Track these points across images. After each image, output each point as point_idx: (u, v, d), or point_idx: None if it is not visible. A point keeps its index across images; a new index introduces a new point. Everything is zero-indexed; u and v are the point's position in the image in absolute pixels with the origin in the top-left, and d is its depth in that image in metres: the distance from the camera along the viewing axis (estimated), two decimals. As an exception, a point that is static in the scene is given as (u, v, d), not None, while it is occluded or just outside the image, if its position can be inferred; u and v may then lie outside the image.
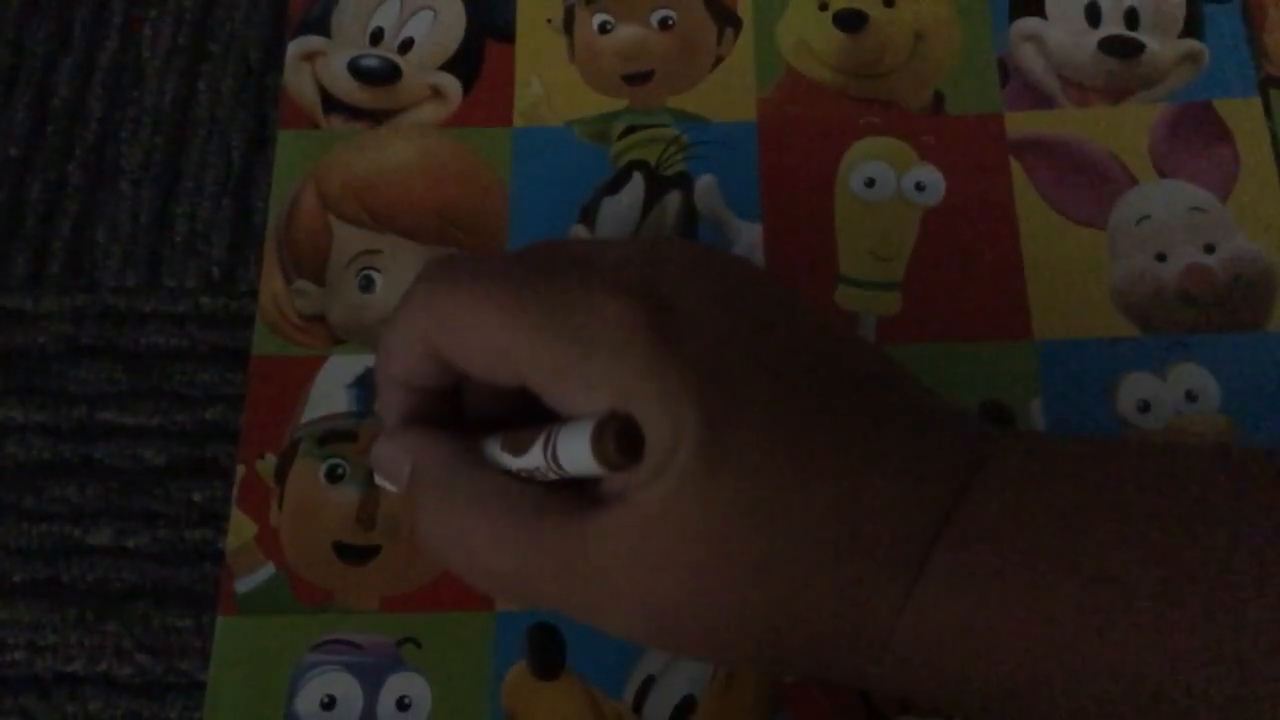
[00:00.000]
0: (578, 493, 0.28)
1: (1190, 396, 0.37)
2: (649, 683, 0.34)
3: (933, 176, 0.40)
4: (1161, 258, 0.39)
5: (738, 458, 0.26)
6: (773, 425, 0.26)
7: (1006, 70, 0.41)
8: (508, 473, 0.29)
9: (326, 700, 0.34)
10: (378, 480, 0.33)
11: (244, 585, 0.36)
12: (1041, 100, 0.41)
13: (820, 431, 0.27)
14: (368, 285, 0.39)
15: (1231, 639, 0.25)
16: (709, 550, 0.26)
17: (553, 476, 0.28)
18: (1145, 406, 0.37)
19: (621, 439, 0.26)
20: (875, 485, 0.27)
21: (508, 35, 0.43)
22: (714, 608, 0.27)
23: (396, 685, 0.34)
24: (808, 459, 0.26)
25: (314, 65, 0.42)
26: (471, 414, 0.31)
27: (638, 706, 0.34)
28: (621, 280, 0.27)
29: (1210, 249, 0.39)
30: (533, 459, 0.28)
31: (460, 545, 0.29)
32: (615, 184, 0.40)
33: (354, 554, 0.36)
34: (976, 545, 0.27)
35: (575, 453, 0.26)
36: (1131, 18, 0.42)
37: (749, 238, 0.39)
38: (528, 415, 0.29)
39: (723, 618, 0.27)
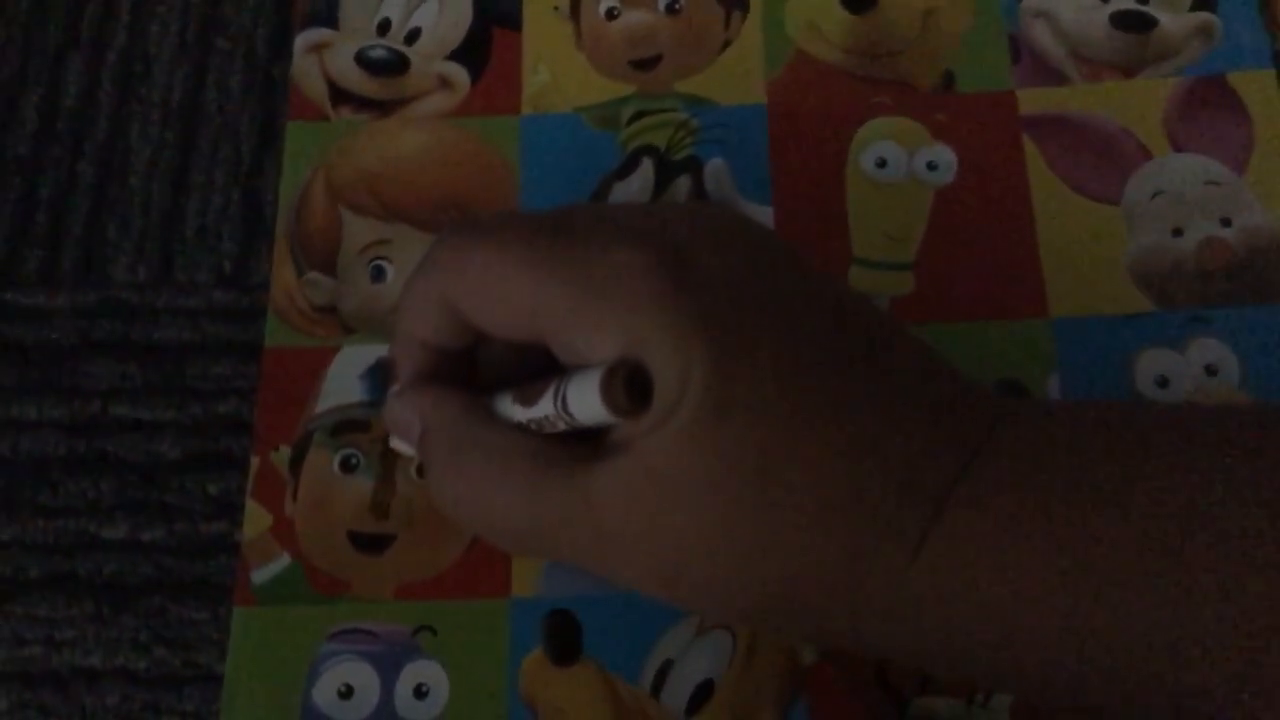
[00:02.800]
0: (585, 443, 0.28)
1: (1210, 370, 0.37)
2: (667, 666, 0.34)
3: (945, 155, 0.40)
4: (1178, 232, 0.38)
5: (745, 406, 0.26)
6: (780, 376, 0.26)
7: (1017, 47, 0.41)
8: (518, 426, 0.29)
9: (344, 689, 0.34)
10: (392, 443, 0.33)
11: (260, 576, 0.36)
12: (1053, 77, 0.41)
13: (828, 384, 0.27)
14: (379, 275, 0.39)
15: (1233, 611, 0.25)
16: (712, 498, 0.26)
17: (563, 426, 0.28)
18: (1164, 382, 0.37)
19: (631, 385, 0.26)
20: (884, 441, 0.26)
21: (514, 23, 0.43)
22: (716, 556, 0.27)
23: (414, 673, 0.34)
24: (815, 410, 0.26)
25: (321, 57, 0.42)
26: (485, 378, 0.32)
27: (656, 691, 0.34)
28: (635, 230, 0.28)
29: (1227, 222, 0.38)
30: (543, 408, 0.28)
31: (471, 500, 0.30)
32: (625, 169, 0.40)
33: (369, 543, 0.36)
34: (986, 507, 0.26)
35: (585, 399, 0.26)
36: (1143, -8, 0.42)
37: (761, 220, 0.39)
38: (540, 375, 0.29)
39: (725, 567, 0.27)
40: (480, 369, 0.32)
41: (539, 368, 0.29)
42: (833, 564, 0.27)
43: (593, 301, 0.27)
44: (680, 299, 0.26)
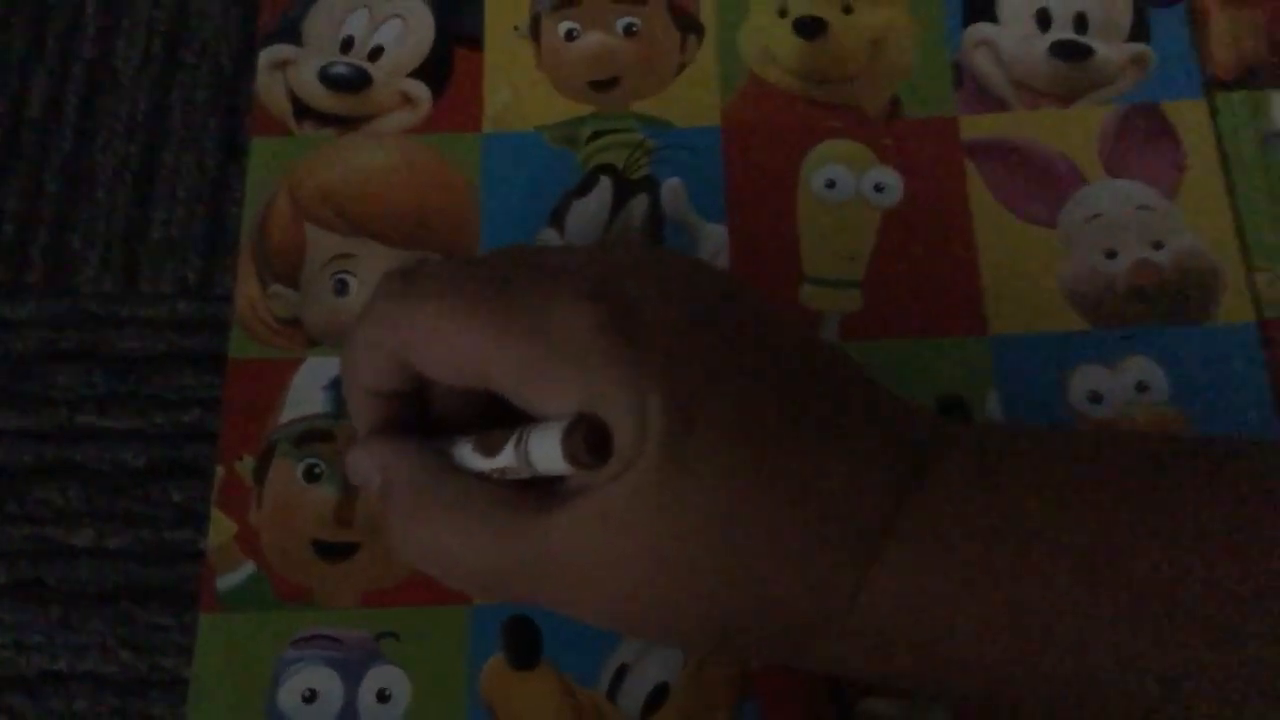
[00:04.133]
0: (543, 490, 0.29)
1: (1140, 387, 0.39)
2: (623, 671, 0.35)
3: (891, 178, 0.41)
4: (1111, 255, 0.40)
5: (701, 455, 0.27)
6: (735, 422, 0.27)
7: (961, 74, 0.43)
8: (479, 474, 0.30)
9: (308, 694, 0.35)
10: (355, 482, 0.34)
11: (225, 583, 0.36)
12: (994, 103, 0.42)
13: (780, 428, 0.28)
14: (342, 289, 0.40)
15: (1167, 624, 0.26)
16: (672, 545, 0.27)
17: (526, 475, 0.29)
18: (1096, 397, 0.38)
19: (590, 439, 0.27)
20: (831, 480, 0.28)
21: (476, 43, 0.44)
22: (677, 600, 0.28)
23: (376, 678, 0.35)
24: (768, 455, 0.27)
25: (285, 73, 0.43)
26: (438, 414, 0.32)
27: (612, 694, 0.35)
28: (582, 283, 0.28)
29: (1158, 246, 0.40)
30: (504, 459, 0.29)
31: (432, 550, 0.30)
32: (583, 187, 0.41)
33: (333, 551, 0.37)
34: (926, 535, 0.28)
35: (547, 453, 0.27)
36: (1081, 22, 0.43)
37: (715, 239, 0.40)
38: (494, 412, 0.30)
39: (686, 609, 0.28)
40: (433, 404, 0.32)
41: (490, 406, 0.30)
42: (785, 602, 0.28)
43: (547, 360, 0.27)
44: (634, 354, 0.27)
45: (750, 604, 0.28)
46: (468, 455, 0.30)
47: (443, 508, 0.30)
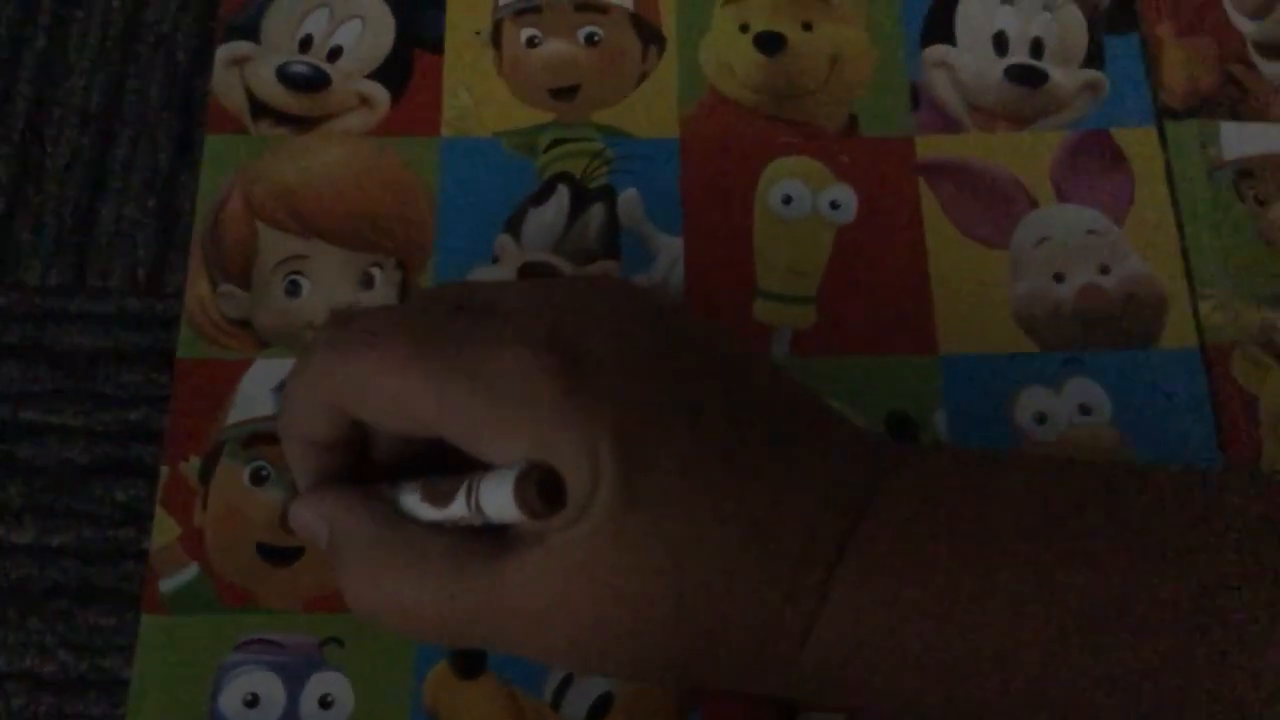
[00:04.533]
0: (494, 537, 0.29)
1: (1083, 409, 0.39)
2: (567, 681, 0.35)
3: (846, 195, 0.42)
4: (1059, 278, 0.41)
5: (654, 498, 0.27)
6: (686, 465, 0.27)
7: (918, 95, 0.43)
8: (427, 523, 0.30)
9: (250, 698, 0.35)
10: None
11: (168, 585, 0.36)
12: (950, 124, 0.43)
13: (731, 467, 0.28)
14: (294, 290, 0.40)
15: (1116, 649, 0.27)
16: (627, 587, 0.27)
17: (477, 524, 0.28)
18: (1041, 418, 0.39)
19: (543, 489, 0.26)
20: (781, 516, 0.28)
21: (436, 46, 0.43)
22: (632, 639, 0.28)
23: (319, 684, 0.35)
24: (719, 495, 0.28)
25: (242, 70, 0.43)
26: (382, 458, 0.32)
27: (556, 703, 0.35)
28: (528, 327, 0.28)
29: (1105, 270, 0.41)
30: (456, 510, 0.29)
31: (384, 604, 0.30)
32: (541, 195, 0.41)
33: (277, 555, 0.37)
34: (874, 567, 0.28)
35: (499, 503, 0.27)
36: (1037, 47, 0.44)
37: (670, 251, 0.40)
38: (438, 456, 0.29)
39: (641, 647, 0.28)
40: (376, 449, 0.32)
41: (433, 449, 0.29)
42: (742, 636, 0.28)
43: (495, 408, 0.27)
44: (583, 399, 0.27)
45: (704, 640, 0.28)
46: (416, 504, 0.30)
47: (394, 561, 0.29)
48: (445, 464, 0.29)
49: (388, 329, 0.29)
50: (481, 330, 0.28)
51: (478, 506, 0.28)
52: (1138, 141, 0.43)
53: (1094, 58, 0.44)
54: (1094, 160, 0.42)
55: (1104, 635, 0.27)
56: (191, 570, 0.36)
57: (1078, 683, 0.27)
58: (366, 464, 0.32)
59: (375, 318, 0.30)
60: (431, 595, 0.29)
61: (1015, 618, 0.27)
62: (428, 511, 0.30)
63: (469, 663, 0.35)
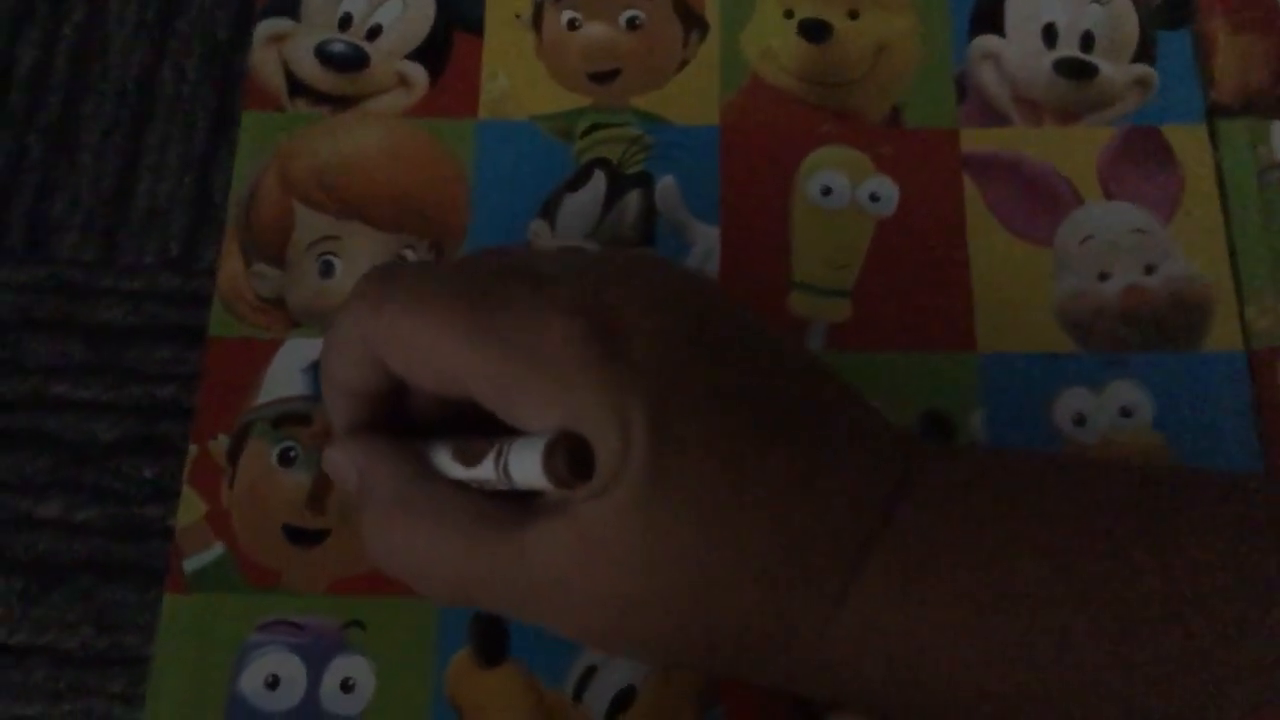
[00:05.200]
0: (519, 502, 0.28)
1: (1125, 412, 0.38)
2: (590, 672, 0.35)
3: (887, 188, 0.41)
4: (1104, 277, 0.40)
5: (682, 477, 0.27)
6: (717, 445, 0.27)
7: (964, 86, 0.42)
8: (455, 481, 0.29)
9: (270, 680, 0.35)
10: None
11: (192, 564, 0.36)
12: (996, 118, 0.42)
13: (762, 452, 0.27)
14: (327, 270, 0.40)
15: (1143, 660, 0.26)
16: (649, 566, 0.27)
17: (503, 488, 0.28)
18: (1081, 420, 0.38)
19: (572, 458, 0.26)
20: (810, 506, 0.27)
21: (476, 27, 0.43)
22: (651, 619, 0.28)
23: (341, 667, 0.35)
24: (749, 479, 0.27)
25: (281, 48, 0.43)
26: (418, 413, 0.32)
27: (578, 695, 0.35)
28: (567, 297, 0.28)
29: (1151, 270, 0.40)
30: (484, 471, 0.28)
31: (404, 554, 0.30)
32: (577, 181, 0.41)
33: (303, 537, 0.36)
34: (900, 562, 0.28)
35: (527, 469, 0.27)
36: (1087, 40, 0.43)
37: (706, 240, 0.40)
38: (474, 417, 0.29)
39: (659, 628, 0.28)
40: (413, 404, 0.32)
41: (470, 408, 0.29)
42: (764, 622, 0.28)
43: (528, 375, 0.27)
44: (617, 370, 0.26)
45: (723, 627, 0.28)
46: (446, 462, 0.30)
47: (418, 514, 0.29)
48: (480, 427, 0.29)
49: (429, 286, 0.29)
50: (520, 296, 0.28)
51: (505, 471, 0.28)
52: (1187, 139, 0.42)
53: (1145, 52, 0.43)
54: (1142, 158, 0.41)
55: (1134, 641, 0.27)
56: (217, 549, 0.36)
57: (1104, 685, 0.27)
58: (404, 418, 0.32)
59: (418, 274, 0.30)
60: (449, 552, 0.29)
61: (1041, 621, 0.27)
62: (456, 470, 0.29)
63: (491, 651, 0.35)
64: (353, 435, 0.31)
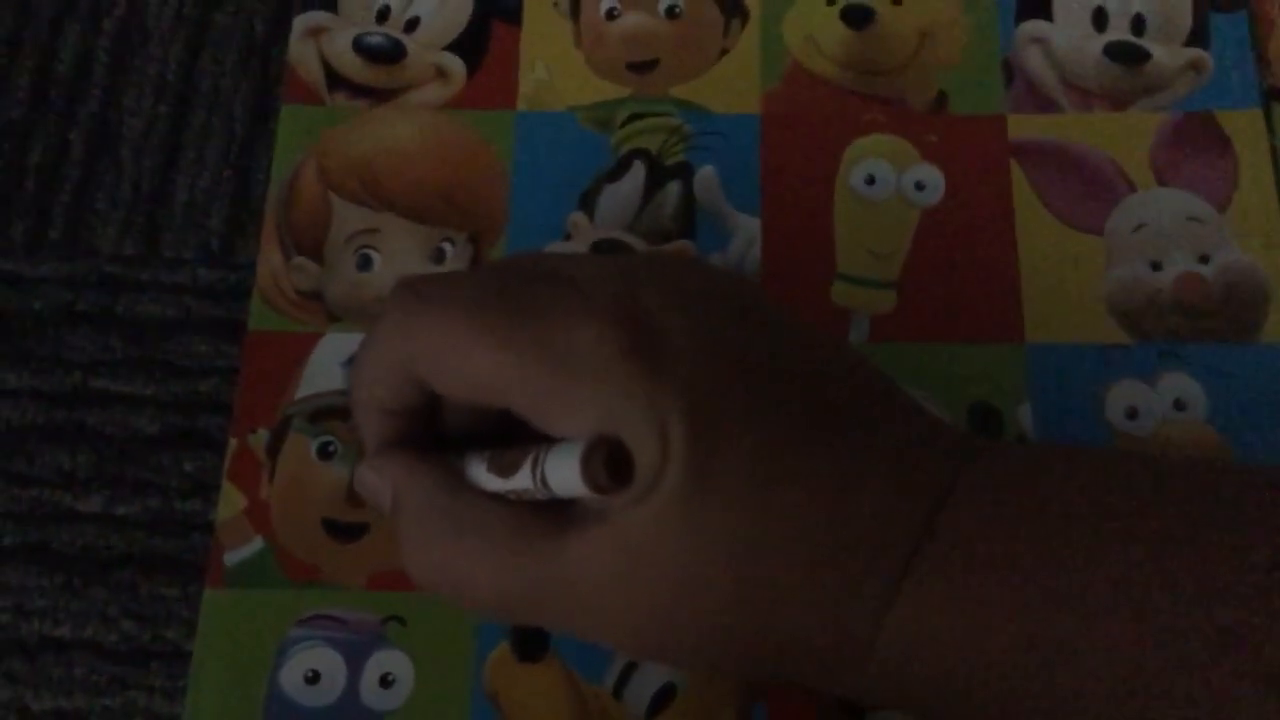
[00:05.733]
0: (558, 512, 0.28)
1: (1178, 405, 0.37)
2: (630, 669, 0.34)
3: (933, 176, 0.40)
4: (1157, 266, 0.39)
5: (723, 482, 0.26)
6: (758, 449, 0.26)
7: (1011, 72, 0.42)
8: (491, 493, 0.29)
9: (310, 675, 0.35)
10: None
11: (232, 558, 0.36)
12: (1044, 104, 0.41)
13: (804, 455, 0.27)
14: (365, 264, 0.39)
15: (1200, 659, 0.25)
16: (692, 573, 0.26)
17: (541, 497, 0.28)
18: (1133, 413, 0.37)
19: (611, 463, 0.26)
20: (856, 508, 0.27)
21: (514, 18, 0.43)
22: (695, 627, 0.27)
23: (380, 662, 0.35)
24: (791, 483, 0.27)
25: (319, 41, 0.42)
26: (451, 427, 0.31)
27: (618, 692, 0.34)
28: (602, 301, 0.27)
29: (1205, 259, 0.39)
30: (521, 481, 0.28)
31: (443, 572, 0.29)
32: (616, 171, 0.40)
33: (343, 531, 0.36)
34: (949, 564, 0.27)
35: (565, 476, 0.26)
36: (1138, 24, 0.42)
37: (748, 231, 0.39)
38: (508, 429, 0.29)
39: (704, 636, 0.27)
40: (445, 419, 0.31)
41: (504, 420, 0.29)
42: (808, 628, 0.27)
43: (565, 380, 0.26)
44: (654, 376, 0.26)
45: (766, 633, 0.27)
46: (481, 475, 0.29)
47: (456, 529, 0.29)
48: (514, 438, 0.29)
49: (461, 295, 0.28)
50: (554, 301, 0.28)
51: (543, 479, 0.27)
52: (1243, 124, 0.41)
53: (1198, 36, 0.42)
54: (1196, 143, 0.40)
55: (1191, 639, 0.26)
56: (256, 544, 0.36)
57: (1159, 690, 0.26)
58: (436, 433, 0.32)
59: (449, 283, 0.29)
60: (489, 566, 0.28)
61: (1093, 621, 0.26)
62: (492, 482, 0.29)
63: (531, 645, 0.35)
64: (386, 452, 0.31)
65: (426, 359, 0.29)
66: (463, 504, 0.29)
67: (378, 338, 0.30)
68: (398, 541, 0.30)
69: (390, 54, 0.42)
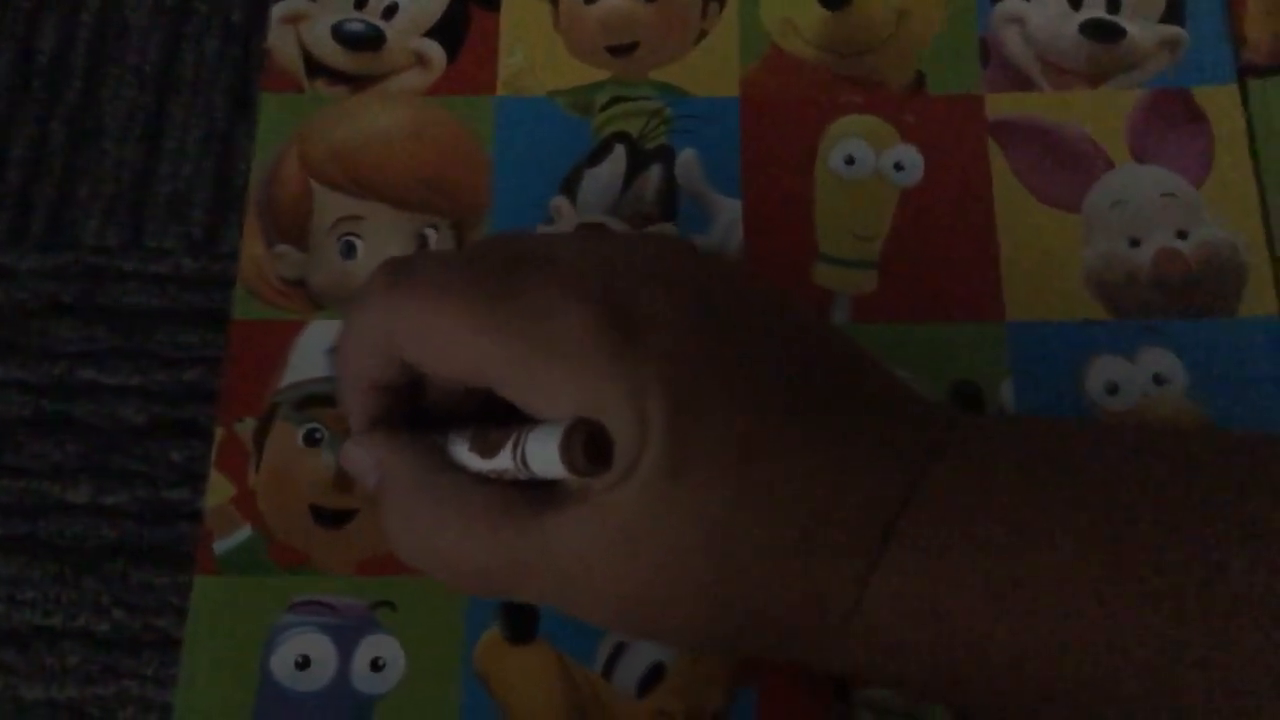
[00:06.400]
0: (540, 491, 0.28)
1: (1158, 380, 0.38)
2: (619, 649, 0.35)
3: (912, 156, 0.40)
4: (1135, 242, 0.39)
5: (702, 461, 0.26)
6: (737, 427, 0.27)
7: (988, 51, 0.42)
8: (474, 472, 0.29)
9: (301, 660, 0.35)
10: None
11: (221, 546, 0.36)
12: (1021, 82, 0.41)
13: (784, 433, 0.27)
14: (349, 251, 0.39)
15: (1172, 627, 0.26)
16: (673, 551, 0.27)
17: (522, 477, 0.28)
18: (1114, 389, 0.38)
19: (589, 445, 0.26)
20: (835, 483, 0.27)
21: (493, 3, 0.43)
22: (677, 603, 0.28)
23: (371, 647, 0.35)
24: (771, 461, 0.27)
25: (298, 28, 0.42)
26: (435, 406, 0.32)
27: (608, 672, 0.35)
28: (582, 283, 0.27)
29: (1183, 235, 0.39)
30: (502, 461, 0.28)
31: (426, 548, 0.30)
32: (597, 155, 0.41)
33: (330, 517, 0.36)
34: (929, 538, 0.27)
35: (545, 458, 0.27)
36: (1114, 1, 0.42)
37: (729, 213, 0.40)
38: (492, 408, 0.29)
39: (686, 613, 0.28)
40: (430, 396, 0.32)
41: (488, 399, 0.29)
42: (790, 604, 0.27)
43: (544, 361, 0.27)
44: (633, 357, 0.26)
45: (750, 609, 0.28)
46: (464, 454, 0.30)
47: (440, 505, 0.29)
48: (498, 417, 0.29)
49: (444, 275, 0.29)
50: (536, 283, 0.28)
51: (523, 460, 0.27)
52: (1218, 100, 0.41)
53: (1174, 12, 0.42)
54: (1172, 120, 0.41)
55: (1166, 613, 0.26)
56: (245, 531, 0.36)
57: (1138, 659, 0.26)
58: (421, 412, 0.32)
59: (432, 263, 0.30)
60: (471, 544, 0.29)
61: (1074, 592, 0.26)
62: (475, 461, 0.29)
63: (521, 628, 0.35)
64: (371, 430, 0.31)
65: (409, 338, 0.29)
66: (445, 482, 0.29)
67: (361, 315, 0.30)
68: (382, 517, 0.31)
69: (369, 41, 0.42)
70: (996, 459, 0.29)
